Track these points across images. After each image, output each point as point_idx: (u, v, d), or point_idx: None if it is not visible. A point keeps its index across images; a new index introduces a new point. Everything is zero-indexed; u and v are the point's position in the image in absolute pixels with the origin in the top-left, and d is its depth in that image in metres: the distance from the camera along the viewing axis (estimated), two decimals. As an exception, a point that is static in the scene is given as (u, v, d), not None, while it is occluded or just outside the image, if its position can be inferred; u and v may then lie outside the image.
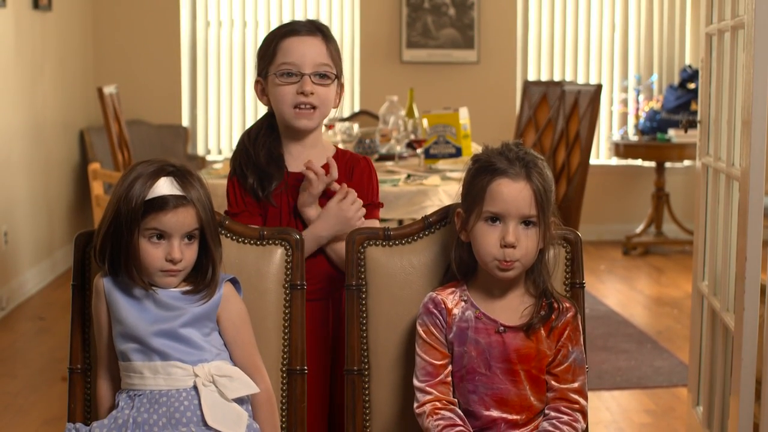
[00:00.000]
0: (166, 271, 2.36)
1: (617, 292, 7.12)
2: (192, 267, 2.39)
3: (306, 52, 2.74)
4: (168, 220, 2.34)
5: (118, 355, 2.40)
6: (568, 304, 2.47)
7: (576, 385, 2.44)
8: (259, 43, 2.87)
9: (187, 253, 2.36)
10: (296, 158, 2.81)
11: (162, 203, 2.34)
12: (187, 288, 2.40)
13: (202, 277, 2.40)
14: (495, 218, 2.39)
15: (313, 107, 2.74)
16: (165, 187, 2.35)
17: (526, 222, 2.39)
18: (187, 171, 2.40)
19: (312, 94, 2.72)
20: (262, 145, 2.81)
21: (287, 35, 2.76)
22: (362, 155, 2.90)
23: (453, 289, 2.48)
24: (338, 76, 2.78)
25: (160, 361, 2.35)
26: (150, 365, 2.35)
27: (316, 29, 2.77)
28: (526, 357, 2.41)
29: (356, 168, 2.84)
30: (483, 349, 2.42)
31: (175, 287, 2.39)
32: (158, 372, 2.35)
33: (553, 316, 2.43)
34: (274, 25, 8.62)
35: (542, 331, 2.42)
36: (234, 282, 2.46)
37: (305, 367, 2.56)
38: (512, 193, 2.38)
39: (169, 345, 2.35)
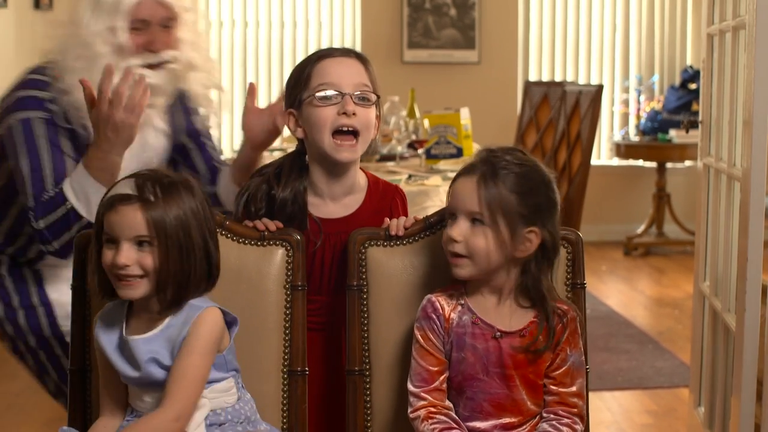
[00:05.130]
0: (115, 276, 2.25)
1: (618, 292, 7.12)
2: (157, 279, 2.25)
3: (344, 72, 2.55)
4: (110, 220, 2.24)
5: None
6: (566, 307, 2.44)
7: (574, 389, 2.42)
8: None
9: (143, 261, 2.23)
10: (330, 204, 2.65)
11: (109, 204, 2.26)
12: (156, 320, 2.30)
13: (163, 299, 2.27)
14: (453, 214, 2.40)
15: (355, 133, 2.55)
16: (119, 188, 2.27)
17: (473, 220, 2.36)
18: (165, 180, 2.27)
19: (354, 114, 2.52)
20: (288, 187, 2.62)
21: (321, 58, 2.59)
22: (394, 184, 2.75)
23: (452, 292, 2.46)
24: (377, 101, 2.62)
25: (156, 390, 2.30)
26: (146, 391, 2.31)
27: (351, 52, 2.62)
28: (523, 362, 2.39)
29: (393, 202, 2.71)
30: (480, 355, 2.40)
31: (138, 298, 2.28)
32: (154, 396, 2.30)
33: (559, 328, 2.40)
34: (276, 26, 8.67)
35: (540, 337, 2.40)
36: (228, 317, 2.34)
37: (306, 369, 2.56)
38: (462, 188, 2.37)
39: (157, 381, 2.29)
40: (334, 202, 2.66)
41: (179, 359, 2.24)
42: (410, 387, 2.44)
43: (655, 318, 6.47)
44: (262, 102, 2.97)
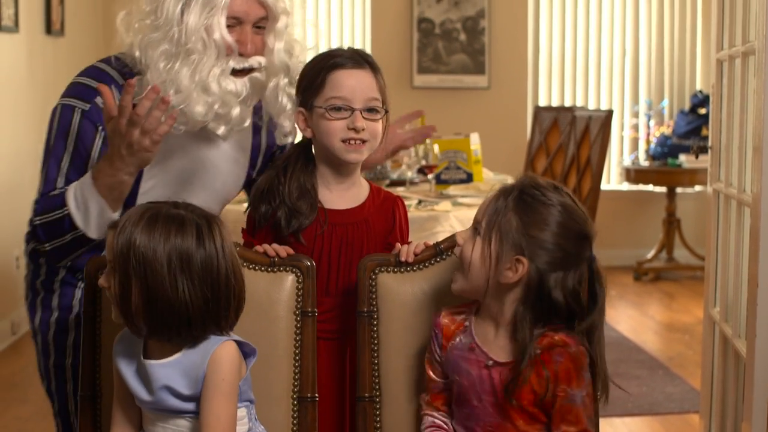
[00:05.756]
0: None
1: (628, 317, 7.10)
2: (119, 306, 2.25)
3: (356, 86, 2.64)
4: None
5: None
6: (567, 340, 2.36)
7: (581, 428, 2.34)
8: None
9: (110, 285, 2.26)
10: (335, 195, 2.72)
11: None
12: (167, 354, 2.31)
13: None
14: None
15: (363, 141, 2.66)
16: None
17: (476, 229, 2.37)
18: (163, 212, 2.26)
19: (363, 129, 2.63)
20: (294, 178, 2.70)
21: (335, 68, 2.65)
22: (395, 195, 2.82)
23: (462, 310, 2.45)
24: (386, 108, 2.71)
25: (168, 417, 2.32)
26: (159, 416, 2.33)
27: (364, 61, 2.68)
28: (516, 393, 2.33)
29: (396, 212, 2.77)
30: (474, 382, 2.37)
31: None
32: (167, 422, 2.32)
33: (544, 356, 2.33)
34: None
35: (534, 369, 2.33)
36: (246, 348, 2.34)
37: (316, 395, 2.55)
38: (484, 200, 2.41)
39: (171, 408, 2.31)
40: (340, 194, 2.73)
41: (209, 405, 2.25)
42: (422, 394, 2.48)
43: (666, 343, 6.46)
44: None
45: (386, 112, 2.70)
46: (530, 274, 2.32)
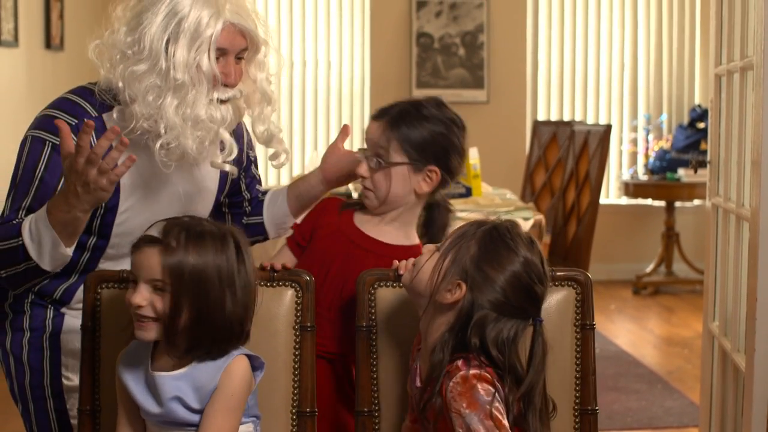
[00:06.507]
0: (133, 315, 2.27)
1: (627, 331, 7.10)
2: (167, 325, 2.25)
3: (368, 137, 2.78)
4: (134, 259, 2.27)
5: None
6: (461, 365, 2.28)
7: None
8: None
9: (156, 304, 2.24)
10: (372, 223, 2.79)
11: (137, 243, 2.29)
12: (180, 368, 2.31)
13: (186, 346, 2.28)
14: None
15: (367, 188, 2.76)
16: (152, 228, 2.30)
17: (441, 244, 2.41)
18: (197, 228, 2.28)
19: (364, 177, 2.76)
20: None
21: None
22: None
23: None
24: (393, 161, 2.73)
25: (176, 430, 2.32)
26: (166, 429, 2.33)
27: (384, 112, 2.77)
28: (441, 417, 2.28)
29: None
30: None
31: (152, 340, 2.30)
32: None
33: (443, 383, 2.28)
34: (285, 65, 8.65)
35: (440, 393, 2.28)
36: (256, 362, 2.35)
37: (315, 410, 2.55)
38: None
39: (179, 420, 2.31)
40: (376, 224, 2.79)
41: (212, 419, 2.26)
42: None
43: (665, 357, 6.45)
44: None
45: (390, 164, 2.72)
46: (464, 303, 2.31)
